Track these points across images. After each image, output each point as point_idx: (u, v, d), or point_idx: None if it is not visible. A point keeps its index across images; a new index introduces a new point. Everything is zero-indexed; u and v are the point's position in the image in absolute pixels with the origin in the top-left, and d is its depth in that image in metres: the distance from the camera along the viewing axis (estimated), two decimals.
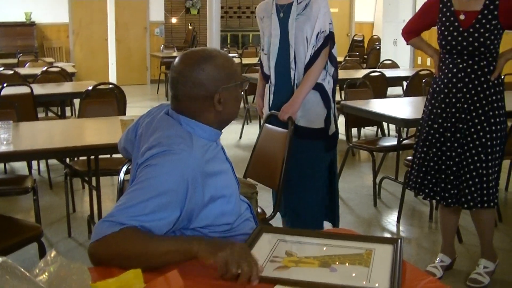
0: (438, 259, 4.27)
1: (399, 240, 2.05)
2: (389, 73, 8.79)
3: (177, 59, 2.24)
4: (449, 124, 3.99)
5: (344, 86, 6.67)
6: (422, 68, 9.34)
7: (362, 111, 5.69)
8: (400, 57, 12.20)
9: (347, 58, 12.06)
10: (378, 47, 14.02)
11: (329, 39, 4.00)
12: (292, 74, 4.03)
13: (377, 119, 6.18)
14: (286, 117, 3.93)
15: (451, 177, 3.99)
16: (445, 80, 4.00)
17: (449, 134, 3.99)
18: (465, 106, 3.92)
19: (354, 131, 7.99)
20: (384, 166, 6.57)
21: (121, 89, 5.88)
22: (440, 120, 4.03)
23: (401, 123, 5.27)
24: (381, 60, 11.36)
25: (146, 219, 1.96)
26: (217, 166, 2.21)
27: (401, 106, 6.07)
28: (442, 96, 4.02)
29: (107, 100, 5.61)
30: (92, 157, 4.63)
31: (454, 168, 3.97)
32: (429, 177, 4.11)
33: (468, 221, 4.57)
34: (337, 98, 4.81)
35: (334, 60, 4.13)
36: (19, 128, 4.51)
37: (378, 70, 8.70)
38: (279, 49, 4.08)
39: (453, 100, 3.96)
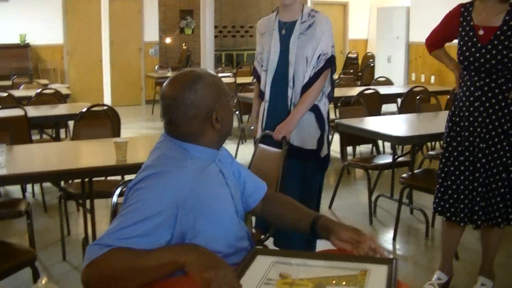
0: (435, 276, 4.24)
1: (394, 261, 2.03)
2: (383, 90, 8.83)
3: (166, 84, 2.23)
4: (467, 143, 3.93)
5: (339, 104, 6.68)
6: (416, 84, 9.38)
7: (357, 129, 5.69)
8: (394, 74, 12.24)
9: (341, 75, 12.13)
10: (372, 64, 14.07)
11: (330, 62, 4.01)
12: (290, 92, 4.03)
13: (371, 137, 6.18)
14: (281, 136, 3.93)
15: (477, 198, 3.90)
16: (464, 98, 3.95)
17: (467, 154, 3.93)
18: (483, 125, 3.86)
19: (349, 149, 7.99)
20: (379, 183, 6.57)
21: (115, 110, 5.88)
22: (459, 139, 3.98)
23: (395, 140, 5.27)
24: (375, 77, 11.39)
25: (135, 242, 1.94)
26: (214, 190, 2.19)
27: (395, 124, 6.06)
28: (461, 114, 3.97)
29: (101, 121, 5.60)
30: (87, 179, 4.62)
31: (479, 189, 3.89)
32: (451, 199, 4.03)
33: (464, 238, 4.54)
34: (332, 116, 4.82)
35: (332, 83, 4.15)
36: (13, 151, 4.48)
37: (372, 87, 8.71)
38: (277, 67, 4.08)
39: (471, 118, 3.90)
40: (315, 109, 4.04)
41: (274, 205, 2.51)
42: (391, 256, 4.93)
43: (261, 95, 4.23)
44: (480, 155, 3.88)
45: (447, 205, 4.04)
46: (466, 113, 3.91)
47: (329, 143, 4.18)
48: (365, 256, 2.10)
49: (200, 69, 2.27)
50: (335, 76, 11.08)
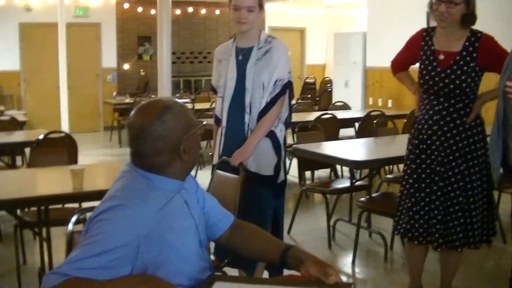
0: None
1: (353, 285, 2.05)
2: (341, 114, 8.91)
3: (133, 114, 2.19)
4: (424, 166, 4.00)
5: (296, 129, 6.71)
6: (374, 109, 9.46)
7: (314, 154, 5.70)
8: (352, 99, 12.34)
9: (299, 101, 12.18)
10: (330, 89, 14.17)
11: (287, 88, 4.03)
12: (247, 118, 4.02)
13: (329, 162, 6.20)
14: (237, 163, 3.93)
15: (434, 221, 3.96)
16: (422, 122, 4.02)
17: (424, 176, 4.00)
18: (441, 149, 3.93)
19: (308, 173, 8.02)
20: (338, 208, 6.59)
21: (72, 137, 5.83)
22: (418, 161, 4.04)
23: (352, 165, 5.30)
24: (333, 102, 11.48)
25: (93, 273, 1.92)
26: (178, 222, 2.17)
27: (353, 148, 6.10)
28: (420, 137, 4.03)
29: (58, 149, 5.54)
30: (43, 207, 4.56)
31: (436, 211, 3.95)
32: (412, 221, 4.07)
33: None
34: (290, 141, 4.83)
35: (290, 108, 4.16)
36: None
37: (329, 112, 8.79)
38: (234, 93, 4.08)
39: (428, 142, 3.97)
40: (271, 135, 4.05)
41: (242, 235, 2.48)
42: (351, 281, 4.98)
43: (217, 121, 4.22)
44: (437, 178, 3.95)
45: (408, 227, 4.09)
46: (425, 136, 3.99)
47: (285, 169, 4.19)
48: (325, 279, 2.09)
49: (168, 99, 2.25)
50: (293, 101, 11.18)
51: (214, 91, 4.29)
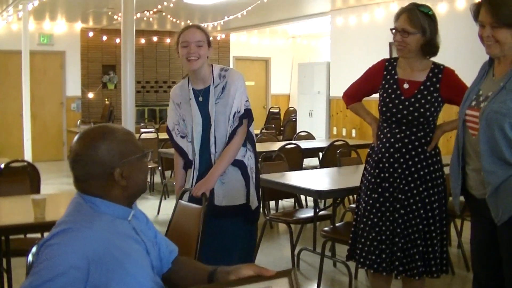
0: None
1: (293, 271, 2.06)
2: (305, 144, 8.93)
3: (74, 139, 2.24)
4: (387, 194, 4.01)
5: (260, 159, 6.72)
6: (337, 138, 9.53)
7: (278, 184, 5.72)
8: (316, 128, 12.44)
9: (263, 130, 12.21)
10: (294, 119, 14.24)
11: (244, 118, 4.05)
12: (213, 158, 4.05)
13: (292, 192, 6.21)
14: (200, 193, 3.92)
15: (395, 248, 3.99)
16: (383, 150, 4.04)
17: (388, 204, 4.01)
18: (402, 176, 3.96)
19: (272, 203, 8.02)
20: (302, 237, 6.62)
21: (34, 166, 5.79)
22: (380, 190, 4.04)
23: (315, 195, 5.31)
24: (297, 132, 11.54)
25: None
26: (127, 246, 2.17)
27: (316, 178, 6.13)
28: (380, 165, 4.05)
29: (20, 178, 5.48)
30: (3, 237, 4.50)
31: (396, 239, 3.98)
32: (372, 248, 4.08)
33: None
34: None
35: (251, 137, 4.18)
36: None
37: (293, 142, 8.83)
38: (202, 137, 4.09)
39: (391, 169, 4.00)
40: (240, 165, 4.08)
41: (181, 268, 2.48)
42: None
43: (188, 163, 4.20)
44: (398, 206, 3.98)
45: (373, 257, 4.08)
46: (386, 164, 4.01)
47: (259, 196, 4.21)
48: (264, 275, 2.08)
49: (112, 125, 2.29)
50: (257, 131, 11.23)
51: (170, 135, 4.26)
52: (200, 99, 4.09)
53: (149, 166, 10.35)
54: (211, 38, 4.13)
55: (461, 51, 8.25)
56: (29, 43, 11.53)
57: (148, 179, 10.78)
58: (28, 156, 11.05)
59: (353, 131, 11.95)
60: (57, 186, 10.54)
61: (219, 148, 4.04)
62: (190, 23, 4.15)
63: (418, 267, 3.95)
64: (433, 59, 4.07)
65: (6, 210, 4.64)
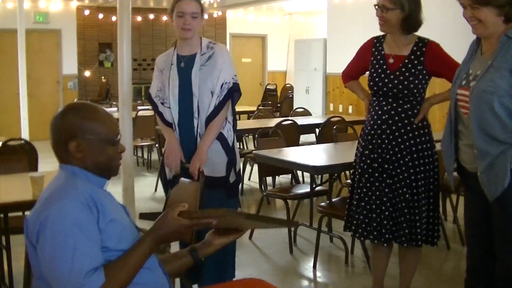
0: None
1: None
2: (301, 121, 8.97)
3: None
4: (376, 165, 4.15)
5: (256, 135, 6.75)
6: (334, 115, 9.55)
7: (274, 160, 5.75)
8: (312, 105, 12.44)
9: (260, 107, 12.20)
10: (291, 96, 14.24)
11: (234, 91, 4.09)
12: (195, 123, 4.09)
13: (289, 167, 6.25)
14: (196, 169, 3.98)
15: (382, 216, 4.11)
16: (372, 122, 4.17)
17: (377, 175, 4.14)
18: (389, 147, 4.08)
19: (269, 179, 8.06)
20: (299, 213, 6.66)
21: (32, 145, 5.80)
22: (368, 161, 4.18)
23: (312, 170, 5.35)
24: (294, 108, 11.55)
25: (94, 255, 2.12)
26: (111, 201, 2.37)
27: (313, 154, 6.16)
28: (369, 137, 4.18)
29: (17, 156, 5.50)
30: (2, 215, 4.53)
31: (383, 207, 4.10)
32: (361, 217, 4.22)
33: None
34: (251, 147, 4.87)
35: (233, 110, 4.24)
36: None
37: (290, 118, 8.85)
38: (179, 100, 4.13)
39: (379, 141, 4.12)
40: (220, 137, 4.13)
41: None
42: (312, 286, 5.02)
43: (169, 125, 4.23)
44: (385, 175, 4.11)
45: (363, 226, 4.23)
46: (375, 136, 4.14)
47: (235, 169, 4.25)
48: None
49: (91, 104, 2.45)
50: (254, 108, 11.24)
51: (152, 102, 4.30)
52: (182, 64, 4.15)
53: (145, 143, 10.38)
54: (205, 12, 4.19)
55: (446, 27, 8.23)
56: (25, 21, 11.48)
57: (145, 156, 10.83)
58: (25, 135, 11.07)
59: (350, 107, 11.96)
60: (55, 165, 10.40)
61: (202, 116, 4.08)
62: None
63: (405, 235, 4.07)
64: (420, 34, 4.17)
65: (5, 188, 4.67)
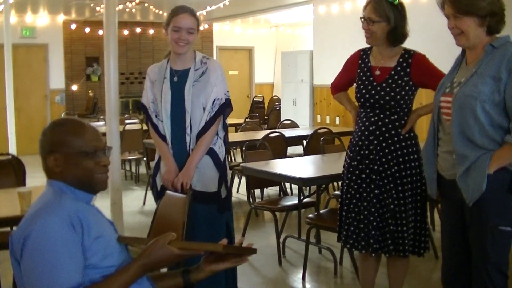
0: None
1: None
2: (288, 133, 9.01)
3: None
4: (363, 176, 4.17)
5: (244, 148, 6.76)
6: (321, 126, 9.58)
7: (262, 172, 5.77)
8: (300, 117, 12.48)
9: (247, 119, 12.21)
10: (278, 108, 14.27)
11: (225, 107, 4.10)
12: (188, 139, 4.08)
13: (276, 180, 6.27)
14: (179, 184, 3.99)
15: (370, 226, 4.13)
16: (359, 133, 4.20)
17: (364, 185, 4.17)
18: (377, 158, 4.11)
19: (258, 191, 8.07)
20: (288, 225, 6.67)
21: (19, 159, 5.78)
22: (356, 172, 4.20)
23: (299, 182, 5.36)
24: (281, 120, 11.57)
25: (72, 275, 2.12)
26: (98, 217, 2.39)
27: (300, 165, 6.18)
28: (357, 148, 4.21)
29: (5, 171, 5.49)
30: None
31: (371, 218, 4.12)
32: (352, 228, 4.24)
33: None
34: (239, 160, 4.88)
35: (225, 126, 4.24)
36: None
37: (277, 130, 8.87)
38: (171, 115, 4.13)
39: (366, 152, 4.15)
40: (211, 153, 4.13)
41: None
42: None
43: (163, 139, 4.23)
44: (373, 186, 4.14)
45: (353, 236, 4.25)
46: (363, 147, 4.17)
47: (227, 184, 4.25)
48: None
49: (72, 119, 2.48)
50: (241, 120, 11.24)
51: (146, 111, 4.28)
52: (175, 79, 4.15)
53: (133, 157, 10.36)
54: (200, 26, 4.21)
55: (431, 39, 8.29)
56: (11, 36, 11.44)
57: (133, 170, 10.81)
58: (12, 149, 11.01)
59: (337, 118, 12.00)
60: (43, 179, 10.36)
61: (194, 131, 4.08)
62: (182, 6, 4.19)
63: (389, 245, 4.11)
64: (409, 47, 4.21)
65: None
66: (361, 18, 4.13)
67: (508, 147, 3.15)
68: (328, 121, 12.19)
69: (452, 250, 3.55)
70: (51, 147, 2.35)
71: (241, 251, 2.37)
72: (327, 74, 4.48)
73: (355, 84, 4.31)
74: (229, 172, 4.40)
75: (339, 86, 4.57)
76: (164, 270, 2.71)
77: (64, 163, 2.34)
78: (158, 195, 4.22)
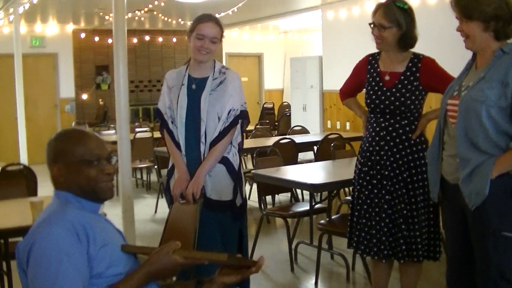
0: None
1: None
2: (299, 139, 8.98)
3: None
4: (374, 181, 4.16)
5: (254, 154, 6.75)
6: (331, 132, 9.56)
7: (273, 178, 5.77)
8: (310, 122, 12.46)
9: (257, 126, 12.20)
10: (288, 114, 14.25)
11: (239, 118, 4.10)
12: (202, 148, 4.06)
13: (288, 186, 6.26)
14: (190, 194, 3.97)
15: (381, 232, 4.11)
16: (370, 139, 4.19)
17: (376, 191, 4.16)
18: (388, 163, 4.10)
19: (269, 198, 8.06)
20: (299, 231, 6.65)
21: (30, 169, 5.80)
22: (367, 178, 4.19)
23: (310, 188, 5.36)
24: (291, 126, 11.56)
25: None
26: (104, 226, 2.40)
27: (311, 171, 6.18)
28: (368, 154, 4.20)
29: (16, 181, 5.50)
30: (2, 240, 4.52)
31: (382, 224, 4.10)
32: (363, 234, 4.23)
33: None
34: (249, 166, 4.87)
35: (242, 136, 4.24)
36: None
37: (288, 137, 8.85)
38: (186, 122, 4.11)
39: (377, 157, 4.14)
40: (225, 161, 4.10)
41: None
42: None
43: (178, 146, 4.20)
44: (384, 192, 4.12)
45: (365, 242, 4.24)
46: (374, 152, 4.16)
47: (242, 192, 4.22)
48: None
49: (75, 129, 2.51)
50: (251, 127, 11.23)
51: (161, 117, 4.27)
52: (194, 86, 4.13)
53: (144, 165, 10.38)
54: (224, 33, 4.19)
55: (444, 42, 8.27)
56: (21, 46, 11.51)
57: (144, 178, 10.83)
58: (23, 159, 11.06)
59: (347, 124, 11.98)
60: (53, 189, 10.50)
61: (208, 139, 4.07)
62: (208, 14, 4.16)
63: (402, 251, 4.08)
64: (417, 50, 4.19)
65: (4, 213, 4.67)
66: (370, 24, 4.12)
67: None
68: (338, 127, 12.17)
69: (456, 254, 3.54)
70: (54, 156, 2.38)
71: (245, 263, 2.35)
72: (337, 79, 4.46)
73: (364, 89, 4.29)
74: (244, 181, 4.37)
75: (347, 92, 4.57)
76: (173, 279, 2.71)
77: (67, 172, 2.36)
78: (172, 200, 4.21)
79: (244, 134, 4.48)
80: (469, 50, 3.40)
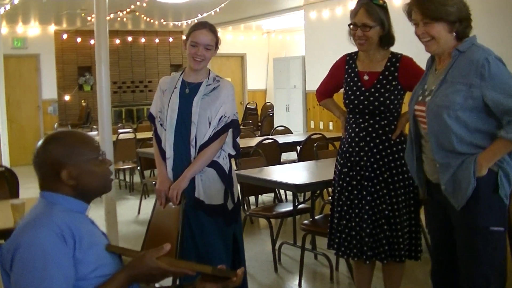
0: None
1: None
2: (282, 139, 8.99)
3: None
4: (355, 182, 4.14)
5: None
6: (315, 132, 9.57)
7: (256, 179, 5.77)
8: (293, 123, 12.48)
9: (241, 127, 12.18)
10: (271, 114, 14.27)
11: (230, 126, 4.10)
12: (192, 152, 4.07)
13: (271, 186, 6.26)
14: (174, 195, 3.97)
15: (363, 234, 4.10)
16: (349, 140, 4.17)
17: (356, 192, 4.14)
18: (368, 164, 4.08)
19: (252, 198, 8.05)
20: (283, 231, 6.66)
21: (12, 171, 5.76)
22: (347, 179, 4.17)
23: (294, 188, 5.36)
24: (275, 126, 11.57)
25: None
26: (90, 228, 2.36)
27: (294, 172, 6.18)
28: (347, 155, 4.17)
29: None
30: None
31: (364, 225, 4.09)
32: (343, 235, 4.21)
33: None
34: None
35: (236, 146, 4.22)
36: None
37: (271, 137, 8.86)
38: (176, 125, 4.11)
39: (357, 158, 4.12)
40: (215, 165, 4.11)
41: None
42: None
43: (162, 154, 4.22)
44: (365, 193, 4.11)
45: (345, 244, 4.23)
46: (353, 153, 4.14)
47: (233, 196, 4.22)
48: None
49: (68, 131, 2.48)
50: None
51: (152, 120, 4.29)
52: (187, 91, 4.14)
53: (127, 166, 10.35)
54: (219, 41, 4.23)
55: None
56: (3, 47, 11.43)
57: (127, 179, 10.79)
58: (5, 161, 10.98)
59: (330, 124, 12.00)
60: (36, 190, 10.34)
61: (198, 143, 4.07)
62: (203, 21, 4.22)
63: (385, 252, 4.08)
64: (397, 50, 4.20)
65: None
66: (349, 25, 4.09)
67: (502, 142, 3.11)
68: (321, 127, 12.19)
69: (440, 250, 3.55)
70: (60, 161, 2.30)
71: (230, 275, 2.34)
72: (320, 79, 4.45)
73: (342, 90, 4.28)
74: (237, 185, 4.37)
75: (325, 92, 4.54)
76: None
77: (79, 174, 2.32)
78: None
79: None
80: (430, 53, 3.40)
